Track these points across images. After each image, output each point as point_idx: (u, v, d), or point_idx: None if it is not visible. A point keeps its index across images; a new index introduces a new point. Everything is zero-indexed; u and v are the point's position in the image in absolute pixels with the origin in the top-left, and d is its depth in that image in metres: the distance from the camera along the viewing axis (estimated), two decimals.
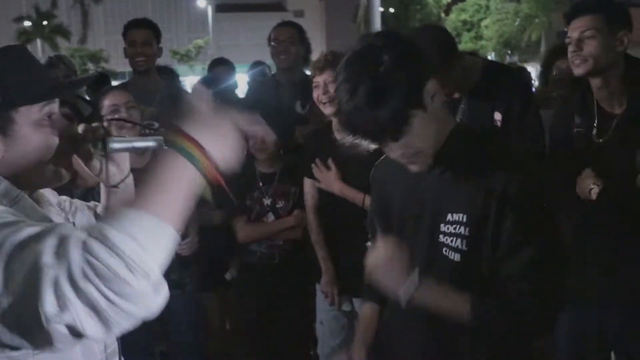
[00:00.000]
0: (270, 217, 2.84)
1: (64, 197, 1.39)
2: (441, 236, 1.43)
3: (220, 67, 4.50)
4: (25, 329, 0.88)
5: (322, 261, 2.64)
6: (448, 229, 1.41)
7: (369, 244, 1.66)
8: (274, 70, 3.76)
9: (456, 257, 1.41)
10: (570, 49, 2.09)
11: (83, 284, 0.83)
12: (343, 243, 2.58)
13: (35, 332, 0.87)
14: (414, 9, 34.30)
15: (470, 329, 1.39)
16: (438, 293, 1.40)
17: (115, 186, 1.34)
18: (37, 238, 0.89)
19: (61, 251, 0.85)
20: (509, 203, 1.34)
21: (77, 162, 1.26)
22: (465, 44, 30.34)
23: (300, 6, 48.14)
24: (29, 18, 37.12)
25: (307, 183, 2.68)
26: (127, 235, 0.85)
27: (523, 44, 30.60)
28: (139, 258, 0.84)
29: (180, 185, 0.92)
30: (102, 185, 1.40)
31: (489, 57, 24.05)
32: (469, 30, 33.10)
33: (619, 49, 2.07)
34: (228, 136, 0.98)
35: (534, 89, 3.54)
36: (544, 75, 3.40)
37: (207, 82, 3.17)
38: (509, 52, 31.28)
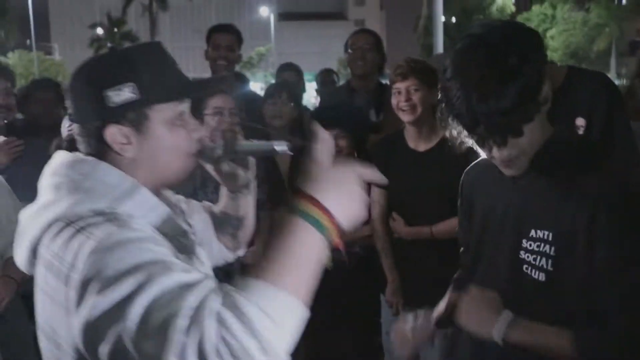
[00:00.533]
0: None
1: (180, 197, 1.35)
2: (522, 252, 1.35)
3: (289, 72, 4.56)
4: None
5: (388, 270, 2.63)
6: (531, 246, 1.33)
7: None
8: (341, 77, 3.77)
9: (541, 276, 1.32)
10: None
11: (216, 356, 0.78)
12: (409, 253, 2.57)
13: None
14: (477, 18, 33.80)
15: None
16: (534, 328, 1.30)
17: (240, 191, 1.34)
18: (180, 293, 0.85)
19: (197, 318, 0.81)
20: (604, 212, 1.24)
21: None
22: None
23: (361, 15, 48.22)
24: (101, 25, 38.64)
25: (375, 191, 2.67)
26: (263, 312, 0.81)
27: (592, 55, 29.65)
28: (274, 339, 0.80)
29: (312, 259, 0.88)
30: (221, 189, 1.39)
31: None
32: None
33: None
34: (354, 194, 0.93)
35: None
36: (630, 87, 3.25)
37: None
38: (577, 63, 30.38)
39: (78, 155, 1.12)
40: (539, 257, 1.32)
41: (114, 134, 1.09)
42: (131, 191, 1.08)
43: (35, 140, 2.87)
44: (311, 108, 4.47)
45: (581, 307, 1.29)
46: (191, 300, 0.83)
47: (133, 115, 1.08)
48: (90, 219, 1.00)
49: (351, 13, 49.99)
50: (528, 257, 1.34)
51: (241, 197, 1.37)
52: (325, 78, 5.41)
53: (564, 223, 1.28)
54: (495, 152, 1.30)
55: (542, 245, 1.31)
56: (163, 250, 0.97)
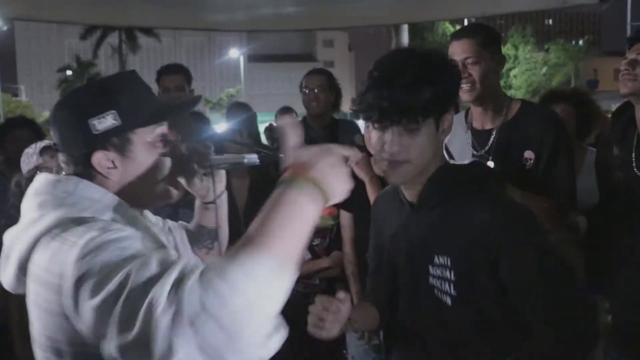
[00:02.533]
0: (307, 254, 2.88)
1: (157, 217, 1.41)
2: (431, 278, 1.40)
3: (239, 111, 4.65)
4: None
5: (355, 295, 2.66)
6: (436, 271, 1.39)
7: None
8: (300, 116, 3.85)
9: (448, 300, 1.38)
10: (622, 68, 2.08)
11: (200, 323, 0.82)
12: None
13: None
14: None
15: None
16: None
17: (213, 202, 1.41)
18: (159, 276, 0.89)
19: (179, 291, 0.84)
20: (498, 247, 1.30)
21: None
22: None
23: (330, 57, 49.05)
24: (70, 68, 38.60)
25: (345, 216, 2.73)
26: (250, 275, 0.84)
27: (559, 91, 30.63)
28: (259, 301, 0.84)
29: (304, 224, 0.92)
30: (196, 202, 1.45)
31: None
32: None
33: None
34: (339, 167, 1.00)
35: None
36: None
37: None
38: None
39: (60, 175, 1.18)
40: (443, 282, 1.38)
41: (100, 159, 1.16)
42: (112, 204, 1.15)
43: (13, 177, 2.89)
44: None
45: (486, 328, 1.36)
46: (170, 279, 0.87)
47: (117, 141, 1.16)
48: (72, 227, 1.05)
49: (320, 54, 50.83)
50: (436, 282, 1.39)
51: (214, 208, 1.43)
52: (283, 115, 5.59)
53: (460, 247, 1.34)
54: (387, 146, 1.34)
55: (444, 270, 1.37)
56: (140, 244, 1.02)
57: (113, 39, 36.76)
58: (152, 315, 0.84)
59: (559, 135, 2.13)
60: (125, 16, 8.32)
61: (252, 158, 1.30)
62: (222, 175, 1.40)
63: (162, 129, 1.22)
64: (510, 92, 31.75)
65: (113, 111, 1.15)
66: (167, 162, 1.22)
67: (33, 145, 2.55)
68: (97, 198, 1.14)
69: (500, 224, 1.31)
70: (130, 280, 0.91)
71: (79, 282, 0.97)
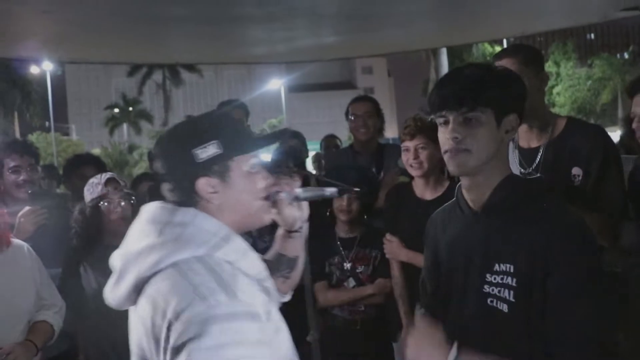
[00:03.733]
0: (351, 282, 2.89)
1: None
2: (486, 286, 1.42)
3: (293, 139, 4.73)
4: None
5: (405, 316, 2.65)
6: (495, 279, 1.41)
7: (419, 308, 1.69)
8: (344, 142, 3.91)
9: (504, 307, 1.39)
10: (635, 125, 2.10)
11: None
12: None
13: None
14: None
15: None
16: None
17: (297, 231, 1.51)
18: None
19: None
20: (553, 260, 1.34)
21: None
22: None
23: (370, 83, 49.32)
24: (117, 105, 39.85)
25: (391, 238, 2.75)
26: None
27: (598, 108, 29.99)
28: None
29: None
30: (278, 231, 1.56)
31: None
32: None
33: None
34: None
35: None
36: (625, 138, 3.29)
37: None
38: (584, 117, 30.67)
39: (172, 205, 1.30)
40: (502, 289, 1.40)
41: (203, 184, 1.27)
42: (227, 238, 1.26)
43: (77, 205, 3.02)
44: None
45: (540, 335, 1.35)
46: None
47: (217, 168, 1.28)
48: (198, 267, 1.19)
49: (360, 81, 51.15)
50: (492, 290, 1.41)
51: (295, 238, 1.53)
52: (328, 143, 5.62)
53: (523, 255, 1.37)
54: (449, 133, 1.41)
55: (505, 277, 1.39)
56: (256, 327, 1.17)
57: (157, 75, 37.84)
58: None
59: (608, 151, 2.12)
60: (170, 53, 8.60)
61: (333, 191, 1.47)
62: (305, 205, 1.51)
63: (256, 157, 1.34)
64: (554, 110, 31.23)
65: (215, 141, 1.27)
66: (262, 187, 1.34)
67: (98, 176, 2.65)
68: (214, 231, 1.25)
69: (560, 238, 1.34)
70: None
71: (192, 338, 1.10)
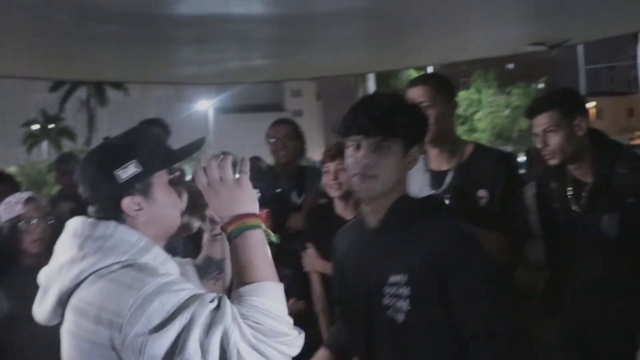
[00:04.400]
0: None
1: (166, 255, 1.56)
2: (385, 299, 1.51)
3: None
4: None
5: (327, 329, 2.72)
6: (391, 290, 1.50)
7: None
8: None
9: (399, 317, 1.49)
10: (538, 144, 2.31)
11: (257, 344, 1.14)
12: None
13: None
14: None
15: None
16: None
17: (220, 234, 1.54)
18: (219, 317, 1.16)
19: (234, 327, 1.15)
20: (449, 266, 1.45)
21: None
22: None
23: (298, 106, 49.66)
24: (36, 122, 38.27)
25: (309, 254, 2.86)
26: (273, 299, 1.20)
27: (515, 135, 31.42)
28: (284, 314, 1.19)
29: (265, 247, 1.31)
30: (204, 235, 1.61)
31: None
32: (462, 124, 34.10)
33: (580, 134, 2.28)
34: (248, 189, 1.36)
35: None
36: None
37: None
38: (503, 142, 32.04)
39: (94, 219, 1.34)
40: (397, 300, 1.50)
41: (128, 203, 1.33)
42: (148, 247, 1.31)
43: None
44: None
45: (435, 348, 1.47)
46: (228, 310, 1.17)
47: (140, 185, 1.34)
48: (120, 270, 1.24)
49: (288, 104, 51.42)
50: (390, 301, 1.51)
51: (220, 240, 1.58)
52: (252, 165, 5.64)
53: (415, 265, 1.48)
54: (360, 158, 1.51)
55: (399, 287, 1.49)
56: (190, 285, 1.25)
57: (81, 92, 36.69)
58: (229, 345, 1.12)
59: (511, 175, 2.31)
60: (95, 71, 8.40)
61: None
62: None
63: (174, 169, 1.40)
64: (475, 135, 32.49)
65: (134, 160, 1.33)
66: (185, 198, 1.41)
67: (15, 195, 2.58)
68: (134, 242, 1.30)
69: (450, 245, 1.46)
70: (195, 318, 1.15)
71: (140, 322, 1.15)
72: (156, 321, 1.15)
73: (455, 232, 1.51)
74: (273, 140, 3.47)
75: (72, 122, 39.55)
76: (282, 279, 2.86)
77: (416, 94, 2.30)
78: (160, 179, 1.36)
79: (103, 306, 1.20)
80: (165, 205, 1.37)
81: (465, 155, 2.34)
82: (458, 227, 1.54)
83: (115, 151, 1.36)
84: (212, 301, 1.19)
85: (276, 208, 2.98)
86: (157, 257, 1.32)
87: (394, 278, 1.50)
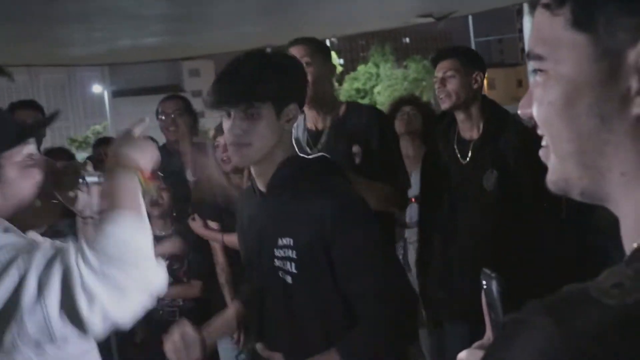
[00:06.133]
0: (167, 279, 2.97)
1: (45, 238, 1.49)
2: (276, 260, 1.52)
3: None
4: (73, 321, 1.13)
5: (230, 302, 2.71)
6: (280, 253, 1.51)
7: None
8: None
9: (288, 279, 1.50)
10: (436, 86, 2.47)
11: (101, 268, 1.12)
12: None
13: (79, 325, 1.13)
14: None
15: None
16: None
17: (91, 217, 1.50)
18: (55, 256, 1.15)
19: (73, 256, 1.14)
20: (333, 230, 1.45)
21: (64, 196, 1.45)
22: None
23: (198, 86, 48.66)
24: None
25: (212, 225, 2.89)
26: (122, 226, 1.18)
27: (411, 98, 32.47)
28: (138, 241, 1.19)
29: (135, 189, 1.30)
30: (78, 220, 1.55)
31: None
32: (362, 98, 34.79)
33: (475, 87, 2.48)
34: (146, 147, 1.37)
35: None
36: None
37: None
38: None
39: None
40: (287, 262, 1.51)
41: None
42: (6, 230, 1.26)
43: None
44: None
45: (322, 311, 1.51)
46: (69, 252, 1.16)
47: None
48: None
49: (187, 84, 50.27)
50: (280, 263, 1.52)
51: (91, 224, 1.51)
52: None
53: (301, 229, 1.49)
54: (230, 129, 1.50)
55: (287, 250, 1.51)
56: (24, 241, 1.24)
57: None
58: (72, 275, 1.12)
59: (383, 127, 2.43)
60: None
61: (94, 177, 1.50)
62: (94, 191, 1.50)
63: (28, 148, 1.32)
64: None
65: None
66: (40, 178, 1.34)
67: None
68: None
69: (334, 210, 1.47)
70: (32, 262, 1.14)
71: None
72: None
73: (338, 195, 1.51)
74: (163, 117, 3.38)
75: None
76: (182, 257, 2.96)
77: (295, 53, 2.35)
78: (10, 159, 1.30)
79: None
80: (20, 186, 1.32)
81: (340, 113, 2.43)
82: (341, 189, 1.55)
83: None
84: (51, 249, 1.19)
85: (176, 188, 2.98)
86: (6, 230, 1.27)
87: (281, 241, 1.51)
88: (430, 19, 6.15)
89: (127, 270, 1.16)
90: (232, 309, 1.79)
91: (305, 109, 2.42)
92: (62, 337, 1.16)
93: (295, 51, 2.37)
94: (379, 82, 34.35)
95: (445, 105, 2.48)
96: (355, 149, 2.33)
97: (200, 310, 2.96)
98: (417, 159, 3.10)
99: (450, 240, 2.52)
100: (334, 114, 2.43)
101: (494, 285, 0.70)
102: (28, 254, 1.17)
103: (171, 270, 2.94)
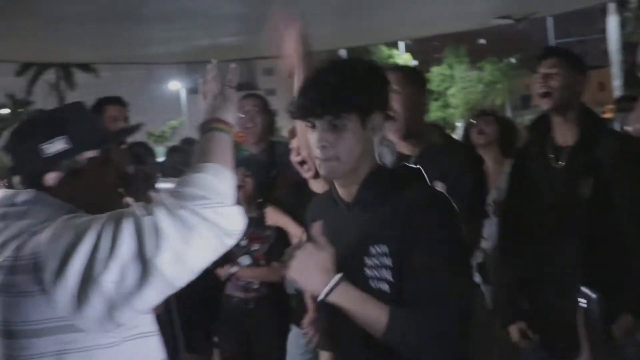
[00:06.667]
0: (246, 259, 3.03)
1: None
2: (366, 269, 1.48)
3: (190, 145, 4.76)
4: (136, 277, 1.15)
5: (310, 300, 2.73)
6: (373, 261, 1.47)
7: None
8: None
9: (385, 287, 1.45)
10: (538, 82, 2.41)
11: (174, 208, 1.16)
12: None
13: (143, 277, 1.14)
14: None
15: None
16: (356, 296, 1.41)
17: None
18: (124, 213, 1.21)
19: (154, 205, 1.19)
20: (416, 234, 1.42)
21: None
22: (434, 113, 31.26)
23: (272, 85, 49.27)
24: (5, 106, 37.50)
25: (290, 224, 2.87)
26: (205, 173, 1.22)
27: (488, 110, 31.68)
28: (219, 186, 1.21)
29: (227, 147, 1.35)
30: None
31: (457, 124, 24.85)
32: (436, 100, 34.20)
33: (577, 90, 2.42)
34: (234, 107, 1.46)
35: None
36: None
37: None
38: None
39: (15, 190, 1.33)
40: (380, 270, 1.46)
41: (52, 179, 1.32)
42: (70, 212, 1.30)
43: None
44: None
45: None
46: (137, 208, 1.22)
47: (66, 162, 1.33)
48: (40, 229, 1.23)
49: (261, 83, 50.97)
50: (372, 272, 1.48)
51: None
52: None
53: (395, 234, 1.45)
54: (316, 143, 1.49)
55: (381, 258, 1.46)
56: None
57: (50, 75, 35.97)
58: (143, 224, 1.17)
59: (475, 168, 2.48)
60: (62, 52, 8.27)
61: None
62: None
63: (108, 149, 1.39)
64: (448, 111, 32.69)
65: (63, 136, 1.31)
66: (113, 179, 1.40)
67: None
68: (55, 210, 1.29)
69: (421, 206, 1.45)
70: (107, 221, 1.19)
71: (60, 251, 1.17)
72: (70, 238, 1.19)
73: (427, 194, 1.51)
74: (242, 114, 3.40)
75: (42, 106, 38.81)
76: (264, 240, 2.99)
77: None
78: (90, 158, 1.36)
79: (17, 256, 1.21)
80: (94, 185, 1.37)
81: (431, 142, 2.46)
82: (428, 191, 1.55)
83: (45, 124, 1.35)
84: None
85: (257, 176, 3.04)
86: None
87: (374, 250, 1.47)
88: (509, 21, 5.99)
89: (201, 211, 1.17)
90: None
91: (392, 132, 2.45)
92: (134, 295, 1.16)
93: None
94: (453, 84, 33.71)
95: (545, 106, 2.42)
96: (440, 185, 2.28)
97: (275, 300, 2.98)
98: (496, 171, 3.04)
99: (537, 250, 2.44)
100: (423, 141, 2.44)
101: (595, 306, 0.67)
102: (98, 218, 1.22)
103: (250, 252, 3.00)
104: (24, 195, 1.31)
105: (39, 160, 1.31)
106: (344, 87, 1.45)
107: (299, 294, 2.84)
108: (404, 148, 2.44)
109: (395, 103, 2.32)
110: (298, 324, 2.84)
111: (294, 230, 2.74)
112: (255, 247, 3.03)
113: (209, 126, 1.37)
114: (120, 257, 1.14)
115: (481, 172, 2.55)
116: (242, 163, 3.35)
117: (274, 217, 2.85)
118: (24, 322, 1.20)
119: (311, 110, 1.47)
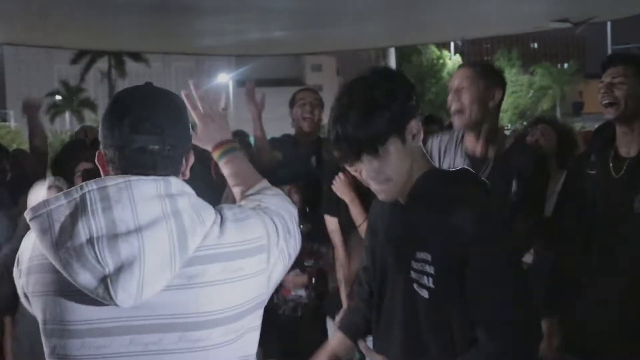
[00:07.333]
0: (298, 273, 2.93)
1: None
2: (412, 272, 1.48)
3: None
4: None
5: (345, 301, 2.70)
6: (417, 266, 1.47)
7: None
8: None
9: (424, 293, 1.45)
10: (602, 91, 2.31)
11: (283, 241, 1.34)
12: None
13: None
14: (430, 82, 35.17)
15: None
16: None
17: None
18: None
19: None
20: (470, 244, 1.38)
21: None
22: None
23: (319, 81, 49.43)
24: (59, 92, 38.61)
25: (330, 221, 2.83)
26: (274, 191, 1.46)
27: (537, 115, 31.09)
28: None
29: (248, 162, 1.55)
30: None
31: (506, 129, 24.38)
32: None
33: None
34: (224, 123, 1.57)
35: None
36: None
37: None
38: (525, 122, 31.66)
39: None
40: (423, 276, 1.46)
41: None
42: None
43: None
44: None
45: (458, 321, 1.43)
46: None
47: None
48: (213, 211, 1.29)
49: (309, 79, 51.19)
50: (417, 276, 1.47)
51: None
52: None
53: (439, 243, 1.43)
54: (365, 175, 1.48)
55: (424, 265, 1.45)
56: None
57: (102, 64, 36.86)
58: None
59: (541, 168, 2.52)
60: (115, 41, 8.44)
61: None
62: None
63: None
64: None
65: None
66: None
67: (42, 182, 2.77)
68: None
69: (474, 221, 1.39)
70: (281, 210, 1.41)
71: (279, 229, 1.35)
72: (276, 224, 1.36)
73: (478, 206, 1.44)
74: (301, 105, 3.36)
75: (94, 94, 39.86)
76: (317, 256, 2.95)
77: (458, 76, 2.45)
78: (188, 159, 1.38)
79: (245, 239, 1.26)
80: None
81: (506, 145, 2.46)
82: (482, 201, 1.48)
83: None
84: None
85: (302, 177, 3.01)
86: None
87: (419, 255, 1.46)
88: (567, 24, 5.80)
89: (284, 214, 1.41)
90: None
91: (466, 132, 2.46)
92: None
93: (459, 74, 2.46)
94: None
95: (610, 116, 2.31)
96: (515, 187, 2.31)
97: (322, 307, 2.95)
98: (553, 181, 2.93)
99: (586, 260, 2.34)
100: (497, 143, 2.43)
101: None
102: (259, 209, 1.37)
103: (302, 266, 2.97)
104: (174, 185, 1.30)
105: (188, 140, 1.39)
106: (372, 121, 1.41)
107: (335, 291, 2.81)
108: (475, 148, 2.45)
109: (463, 98, 2.38)
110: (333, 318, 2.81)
111: (355, 211, 2.66)
112: (308, 262, 2.95)
113: (226, 149, 1.51)
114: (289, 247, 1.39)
115: (548, 174, 2.57)
116: (287, 157, 3.32)
117: (343, 188, 2.73)
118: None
119: (351, 160, 1.47)
